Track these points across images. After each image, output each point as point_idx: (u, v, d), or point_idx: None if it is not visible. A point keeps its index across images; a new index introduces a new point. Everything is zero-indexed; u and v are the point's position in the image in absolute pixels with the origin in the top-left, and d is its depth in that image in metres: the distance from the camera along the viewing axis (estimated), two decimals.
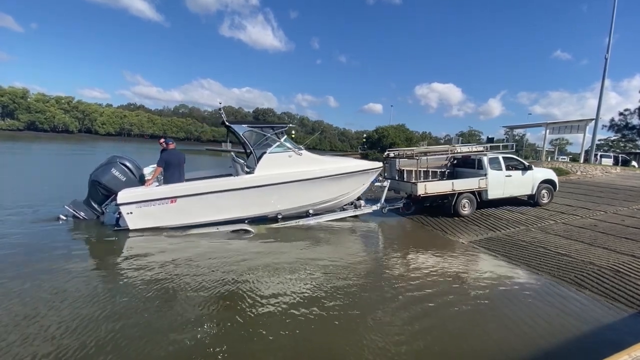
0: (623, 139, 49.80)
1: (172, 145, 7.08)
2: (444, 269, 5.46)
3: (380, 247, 6.97)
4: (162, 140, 7.58)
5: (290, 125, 8.23)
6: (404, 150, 10.27)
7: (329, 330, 3.45)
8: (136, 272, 4.67)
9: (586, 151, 24.03)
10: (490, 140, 28.65)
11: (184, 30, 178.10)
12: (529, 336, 3.50)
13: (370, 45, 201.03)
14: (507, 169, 9.09)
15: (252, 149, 7.28)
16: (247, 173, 7.19)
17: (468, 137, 59.17)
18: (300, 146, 7.68)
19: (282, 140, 7.42)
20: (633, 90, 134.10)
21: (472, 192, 8.71)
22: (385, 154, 10.12)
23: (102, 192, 6.73)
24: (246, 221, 7.15)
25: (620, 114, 50.44)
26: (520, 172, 9.24)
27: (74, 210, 6.70)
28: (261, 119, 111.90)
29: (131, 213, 6.30)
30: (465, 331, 3.62)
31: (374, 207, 8.69)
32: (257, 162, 7.05)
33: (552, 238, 6.90)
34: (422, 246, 6.74)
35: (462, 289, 4.68)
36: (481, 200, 8.89)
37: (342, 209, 8.45)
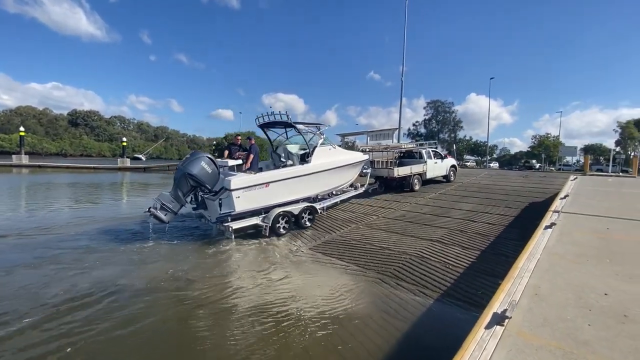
0: (416, 144, 67.90)
1: (252, 141, 8.52)
2: (280, 282, 4.92)
3: (232, 266, 5.90)
4: (238, 137, 9.99)
5: (329, 125, 9.77)
6: (377, 146, 13.75)
7: None
8: None
9: None
10: None
11: None
12: (353, 352, 3.26)
13: (212, 48, 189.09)
14: (435, 158, 13.59)
15: (307, 143, 8.68)
16: (301, 164, 8.55)
17: None
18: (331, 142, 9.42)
19: (324, 137, 9.04)
20: (420, 107, 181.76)
21: (419, 174, 12.62)
22: (361, 149, 12.66)
23: (190, 184, 6.97)
24: (300, 202, 8.34)
25: (413, 124, 70.06)
26: (441, 160, 13.88)
27: (161, 203, 6.79)
28: (82, 123, 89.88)
29: (239, 197, 7.05)
30: (278, 352, 3.06)
31: (362, 189, 10.78)
32: (312, 153, 8.46)
33: (376, 233, 7.57)
34: (264, 259, 6.08)
35: (292, 302, 4.21)
36: (423, 180, 12.83)
37: (343, 192, 10.24)
